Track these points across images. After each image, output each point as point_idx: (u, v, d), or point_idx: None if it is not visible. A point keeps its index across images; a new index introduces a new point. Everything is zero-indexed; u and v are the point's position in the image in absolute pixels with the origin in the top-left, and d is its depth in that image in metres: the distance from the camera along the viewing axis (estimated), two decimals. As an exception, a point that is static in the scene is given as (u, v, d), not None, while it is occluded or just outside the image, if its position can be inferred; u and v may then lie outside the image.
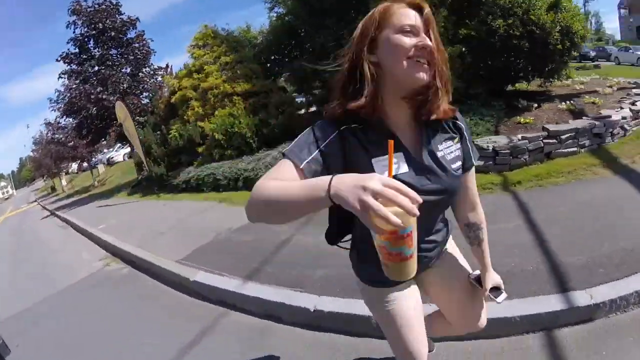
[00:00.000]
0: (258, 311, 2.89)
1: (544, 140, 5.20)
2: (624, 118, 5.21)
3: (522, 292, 2.37)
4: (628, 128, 5.18)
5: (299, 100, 10.93)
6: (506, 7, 6.51)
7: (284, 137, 7.93)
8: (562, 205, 3.70)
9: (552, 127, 5.30)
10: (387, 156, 0.76)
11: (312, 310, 2.57)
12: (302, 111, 10.64)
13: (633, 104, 5.68)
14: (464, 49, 6.74)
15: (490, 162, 5.25)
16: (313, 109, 10.74)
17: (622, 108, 5.54)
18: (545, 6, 6.33)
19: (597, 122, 5.20)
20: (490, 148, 5.26)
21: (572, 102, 6.50)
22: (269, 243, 3.95)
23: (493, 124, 6.13)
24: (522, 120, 6.07)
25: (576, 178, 4.39)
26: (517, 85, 8.02)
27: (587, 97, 6.68)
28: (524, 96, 7.13)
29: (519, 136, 5.39)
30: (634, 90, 6.51)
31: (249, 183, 6.74)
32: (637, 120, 5.34)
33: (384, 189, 0.61)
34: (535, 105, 6.73)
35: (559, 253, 2.77)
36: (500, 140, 5.36)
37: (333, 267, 3.11)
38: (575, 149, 5.21)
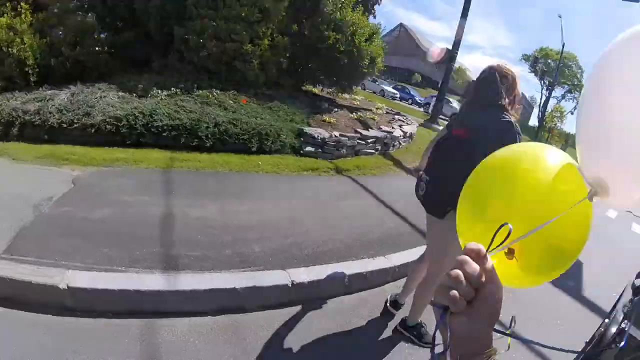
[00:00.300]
0: (207, 308, 2.39)
1: (357, 140, 6.79)
2: (399, 135, 7.61)
3: (398, 247, 3.45)
4: (402, 143, 7.63)
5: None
6: (339, 23, 7.95)
7: (74, 76, 6.12)
8: (390, 188, 5.15)
9: (363, 132, 7.01)
10: None
11: (290, 286, 2.58)
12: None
13: (401, 126, 8.34)
14: (288, 43, 7.67)
15: (320, 150, 6.32)
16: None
17: (394, 128, 8.01)
18: (366, 35, 8.24)
19: (387, 135, 7.32)
20: (319, 138, 6.34)
21: (360, 114, 8.66)
22: (140, 218, 3.12)
23: (305, 117, 7.26)
24: (326, 119, 7.56)
25: (384, 172, 6.12)
26: (310, 87, 9.76)
27: (367, 113, 9.07)
28: (319, 99, 8.85)
29: (337, 133, 6.77)
30: (396, 117, 9.47)
31: (28, 130, 4.79)
32: (405, 139, 7.92)
33: None
34: (335, 109, 8.51)
35: (411, 219, 4.04)
36: (325, 134, 6.54)
37: (266, 239, 3.11)
38: (372, 151, 7.12)
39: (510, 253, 0.63)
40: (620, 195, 0.65)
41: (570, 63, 27.86)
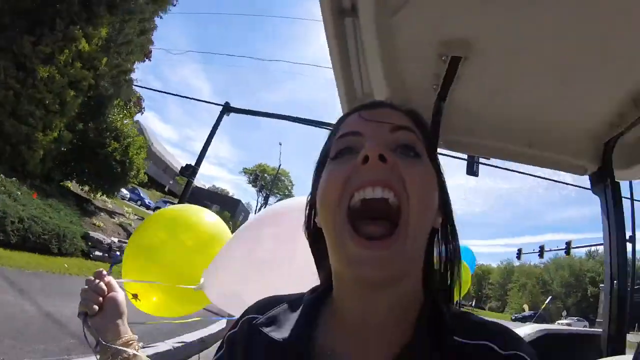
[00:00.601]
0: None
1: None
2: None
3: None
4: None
5: None
6: (120, 133, 9.08)
7: None
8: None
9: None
10: None
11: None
12: None
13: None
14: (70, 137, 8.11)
15: (106, 255, 6.92)
16: None
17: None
18: (137, 147, 9.61)
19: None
20: (105, 243, 7.00)
21: (120, 219, 9.45)
22: (30, 315, 3.52)
23: (78, 218, 7.55)
24: (96, 223, 8.16)
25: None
26: (69, 184, 9.67)
27: (122, 218, 9.85)
28: (81, 199, 9.07)
29: (116, 239, 7.57)
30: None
31: None
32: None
33: None
34: (101, 213, 8.98)
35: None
36: (107, 239, 7.23)
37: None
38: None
39: (135, 297, 0.95)
40: (212, 291, 1.12)
41: (283, 178, 36.79)
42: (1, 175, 5.96)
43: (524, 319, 31.67)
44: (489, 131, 1.30)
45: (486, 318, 0.48)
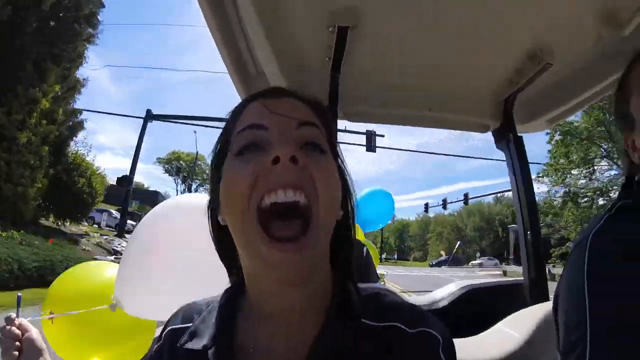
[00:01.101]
0: None
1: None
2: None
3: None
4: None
5: None
6: (83, 169, 11.11)
7: None
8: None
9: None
10: None
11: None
12: None
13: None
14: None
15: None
16: None
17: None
18: (95, 175, 11.66)
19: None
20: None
21: (97, 241, 11.52)
22: None
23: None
24: (85, 248, 10.26)
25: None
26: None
27: (95, 237, 11.86)
28: (59, 231, 11.00)
29: (112, 257, 9.80)
30: (115, 239, 12.57)
31: None
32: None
33: None
34: (84, 239, 11.05)
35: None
36: (103, 258, 9.44)
37: None
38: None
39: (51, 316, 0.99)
40: (133, 306, 1.02)
41: (200, 162, 38.29)
42: (15, 231, 7.88)
43: (439, 264, 38.13)
44: (388, 99, 1.33)
45: (398, 297, 0.51)
